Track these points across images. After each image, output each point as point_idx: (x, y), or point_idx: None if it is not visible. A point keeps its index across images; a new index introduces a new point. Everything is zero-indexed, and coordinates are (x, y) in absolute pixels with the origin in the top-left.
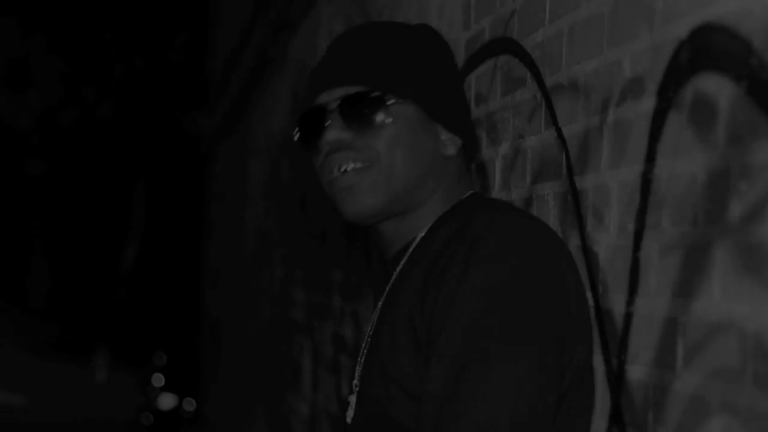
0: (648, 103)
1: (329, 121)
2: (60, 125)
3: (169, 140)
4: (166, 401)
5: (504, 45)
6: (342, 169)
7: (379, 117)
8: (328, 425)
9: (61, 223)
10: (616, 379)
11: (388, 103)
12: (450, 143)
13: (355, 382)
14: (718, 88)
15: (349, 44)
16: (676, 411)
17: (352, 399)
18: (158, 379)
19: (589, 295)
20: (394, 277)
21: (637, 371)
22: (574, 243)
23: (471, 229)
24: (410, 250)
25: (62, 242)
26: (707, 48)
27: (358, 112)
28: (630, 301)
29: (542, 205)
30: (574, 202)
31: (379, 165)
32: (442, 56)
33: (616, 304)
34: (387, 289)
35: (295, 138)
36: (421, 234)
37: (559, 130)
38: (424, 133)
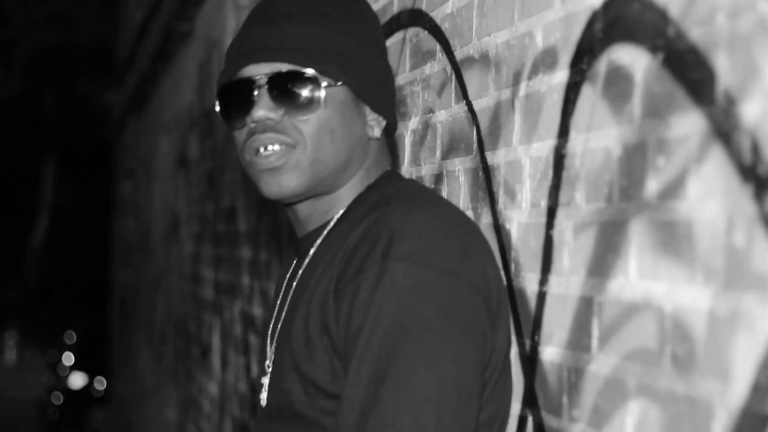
0: (561, 76)
1: (257, 97)
2: None
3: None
4: (77, 380)
5: (413, 16)
6: (265, 151)
7: (311, 99)
8: (238, 405)
9: None
10: (530, 361)
11: (321, 84)
12: (375, 124)
13: (268, 363)
14: (633, 59)
15: (278, 14)
16: (592, 394)
17: (265, 381)
18: (68, 358)
19: (501, 274)
20: (308, 258)
21: (551, 353)
22: (485, 220)
23: (387, 225)
24: (325, 232)
25: None
26: (622, 18)
27: (289, 91)
28: (543, 281)
29: (452, 181)
30: (485, 178)
31: (304, 148)
32: (372, 32)
33: (529, 283)
34: (301, 269)
35: (216, 109)
36: (337, 215)
37: (469, 104)
38: (353, 117)
